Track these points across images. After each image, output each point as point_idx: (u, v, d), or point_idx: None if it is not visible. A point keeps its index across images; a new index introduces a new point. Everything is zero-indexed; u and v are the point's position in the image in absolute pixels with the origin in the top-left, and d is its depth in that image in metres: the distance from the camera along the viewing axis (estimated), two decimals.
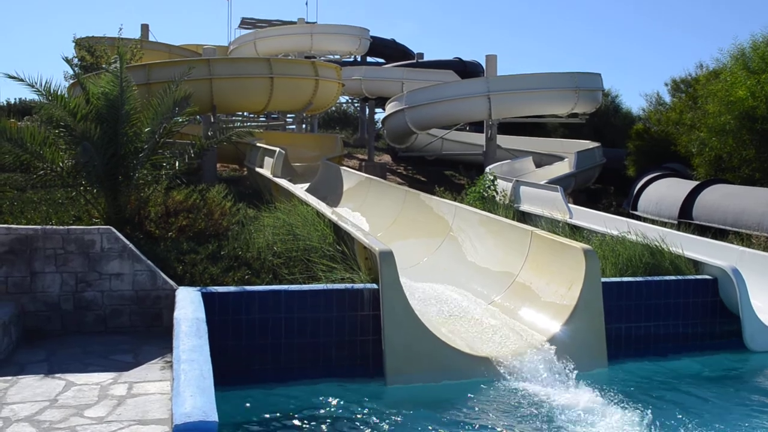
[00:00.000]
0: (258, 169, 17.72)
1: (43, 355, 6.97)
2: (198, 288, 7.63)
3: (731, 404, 7.42)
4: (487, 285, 9.89)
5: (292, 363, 7.66)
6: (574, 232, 12.33)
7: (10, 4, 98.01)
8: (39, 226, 7.79)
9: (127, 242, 7.90)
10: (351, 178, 17.54)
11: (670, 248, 10.05)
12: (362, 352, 7.84)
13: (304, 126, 30.72)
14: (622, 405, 6.94)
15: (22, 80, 9.43)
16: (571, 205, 15.26)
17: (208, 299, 7.34)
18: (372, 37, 37.44)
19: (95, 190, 9.77)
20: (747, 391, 7.98)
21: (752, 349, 9.13)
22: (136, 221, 9.52)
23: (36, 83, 9.49)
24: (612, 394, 7.29)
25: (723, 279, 9.40)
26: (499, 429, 6.41)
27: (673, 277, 9.43)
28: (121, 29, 30.91)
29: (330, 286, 8.00)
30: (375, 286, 7.92)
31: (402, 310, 7.73)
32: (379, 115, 32.75)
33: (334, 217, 10.13)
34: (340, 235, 9.65)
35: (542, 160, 24.35)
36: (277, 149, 17.01)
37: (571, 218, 13.85)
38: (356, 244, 8.89)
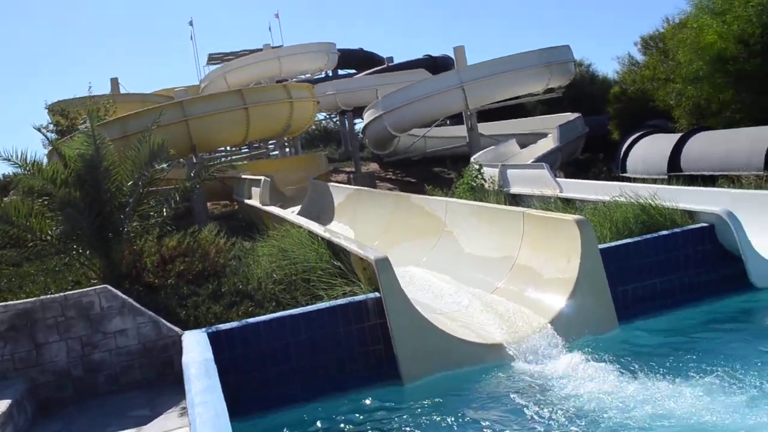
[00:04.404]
0: (247, 201, 17.78)
1: (61, 425, 6.95)
2: (203, 329, 7.65)
3: (747, 343, 7.44)
4: (489, 273, 9.90)
5: (308, 384, 7.64)
6: (567, 205, 12.35)
7: None
8: (35, 298, 7.79)
9: (125, 297, 7.91)
10: (340, 192, 17.59)
11: (664, 203, 10.01)
12: (376, 360, 7.83)
13: (288, 150, 30.82)
14: (635, 363, 7.05)
15: None
16: (560, 179, 15.28)
17: (215, 338, 7.35)
18: (339, 49, 37.60)
19: (88, 252, 9.77)
20: (762, 328, 8.09)
21: (759, 287, 9.05)
22: (133, 275, 9.52)
23: (12, 156, 9.50)
24: (626, 354, 7.40)
25: (719, 224, 9.33)
26: (513, 407, 6.53)
27: (669, 231, 9.42)
28: (90, 87, 31.07)
29: (332, 302, 8.01)
30: (377, 294, 7.94)
31: (406, 313, 7.75)
32: (359, 125, 32.86)
33: (326, 234, 10.15)
34: (335, 251, 9.67)
35: (527, 140, 24.31)
36: (262, 178, 17.06)
37: (561, 192, 13.86)
38: (352, 257, 8.91)
